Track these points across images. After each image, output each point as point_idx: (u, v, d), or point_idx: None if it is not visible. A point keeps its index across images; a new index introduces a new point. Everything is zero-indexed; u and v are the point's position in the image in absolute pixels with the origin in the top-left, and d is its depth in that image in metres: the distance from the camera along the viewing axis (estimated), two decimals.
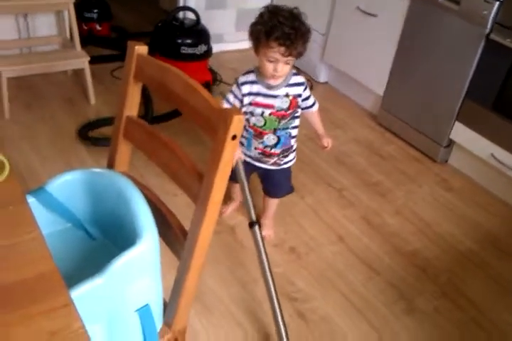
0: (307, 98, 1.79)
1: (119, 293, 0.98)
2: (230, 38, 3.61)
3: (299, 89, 1.74)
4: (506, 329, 1.82)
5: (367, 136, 2.87)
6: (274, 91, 1.72)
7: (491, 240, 2.22)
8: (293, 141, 1.84)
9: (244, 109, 1.76)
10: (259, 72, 1.71)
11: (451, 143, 2.63)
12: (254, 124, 1.77)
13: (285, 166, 1.90)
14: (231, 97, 1.74)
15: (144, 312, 1.03)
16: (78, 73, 2.95)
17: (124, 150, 1.29)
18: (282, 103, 1.73)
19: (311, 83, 3.28)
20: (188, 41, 2.99)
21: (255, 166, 1.90)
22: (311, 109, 1.84)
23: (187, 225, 1.12)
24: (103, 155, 2.36)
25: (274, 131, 1.78)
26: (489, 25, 2.25)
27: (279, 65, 1.62)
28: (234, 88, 1.74)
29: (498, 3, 2.20)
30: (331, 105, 3.11)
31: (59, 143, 2.47)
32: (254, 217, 1.84)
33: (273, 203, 2.05)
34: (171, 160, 1.13)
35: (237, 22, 3.60)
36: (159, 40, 3.04)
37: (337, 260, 2.02)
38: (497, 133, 2.35)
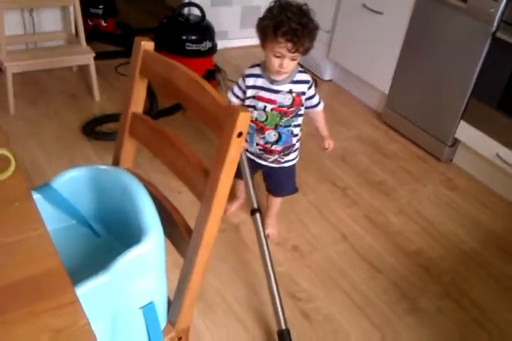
0: (311, 97, 1.78)
1: (124, 291, 0.98)
2: (234, 34, 3.61)
3: (303, 87, 1.74)
4: (508, 330, 1.81)
5: (371, 134, 2.86)
6: (277, 87, 1.72)
7: (495, 240, 2.22)
8: (295, 140, 1.84)
9: (247, 102, 1.77)
10: (264, 66, 1.71)
11: (455, 142, 2.62)
12: (256, 119, 1.77)
13: (286, 165, 1.90)
14: (235, 88, 1.78)
15: (149, 309, 1.02)
16: (83, 69, 2.95)
17: (129, 147, 1.29)
18: (285, 99, 1.73)
19: (316, 81, 3.27)
20: (193, 37, 2.99)
21: (256, 163, 1.90)
22: (315, 109, 1.83)
23: (191, 223, 1.12)
24: (108, 152, 2.37)
25: (276, 127, 1.78)
26: (496, 23, 2.24)
27: (285, 60, 1.62)
28: (240, 79, 1.77)
29: (505, 0, 2.18)
30: (336, 103, 3.10)
31: (64, 140, 2.47)
32: (255, 205, 1.87)
33: (276, 202, 2.05)
34: (177, 157, 1.13)
35: (242, 19, 3.60)
36: (164, 36, 3.04)
37: (340, 259, 2.01)
38: (502, 133, 2.34)
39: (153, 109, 2.66)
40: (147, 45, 1.17)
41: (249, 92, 1.75)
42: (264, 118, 1.76)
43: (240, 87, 1.77)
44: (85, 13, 3.26)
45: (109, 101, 2.81)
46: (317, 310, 1.79)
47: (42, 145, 2.41)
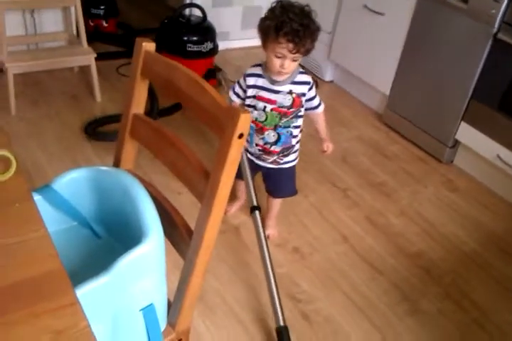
0: (312, 98, 1.78)
1: (124, 292, 0.98)
2: (235, 35, 3.61)
3: (303, 88, 1.74)
4: (508, 331, 1.81)
5: (372, 135, 2.86)
6: (277, 87, 1.72)
7: (495, 241, 2.22)
8: (294, 141, 1.84)
9: (248, 102, 1.78)
10: (266, 66, 1.72)
11: (456, 144, 2.62)
12: (256, 119, 1.77)
13: (285, 166, 1.90)
14: (237, 87, 1.79)
15: (149, 311, 1.02)
16: (84, 70, 2.95)
17: (130, 148, 1.29)
18: (285, 100, 1.73)
19: (317, 82, 3.27)
20: (194, 38, 2.99)
21: (256, 165, 1.91)
22: (315, 111, 1.83)
23: (191, 224, 1.12)
24: (108, 153, 2.37)
25: (275, 128, 1.78)
26: (497, 25, 2.24)
27: (286, 61, 1.62)
28: (241, 79, 1.78)
29: (506, 1, 2.18)
30: (337, 104, 3.10)
31: (65, 140, 2.47)
32: (255, 202, 1.89)
33: (276, 203, 2.04)
34: (178, 158, 1.13)
35: (243, 20, 3.60)
36: (165, 37, 3.04)
37: (341, 260, 2.01)
38: (503, 134, 2.34)
39: (154, 110, 2.66)
40: (148, 46, 1.17)
41: (250, 92, 1.76)
42: (263, 119, 1.77)
43: (240, 86, 1.78)
44: (86, 14, 3.26)
45: (111, 102, 2.82)
46: (317, 311, 1.79)
47: (43, 146, 2.41)
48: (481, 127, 2.42)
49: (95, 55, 2.73)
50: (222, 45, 3.28)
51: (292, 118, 1.77)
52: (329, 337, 1.71)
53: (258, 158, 1.89)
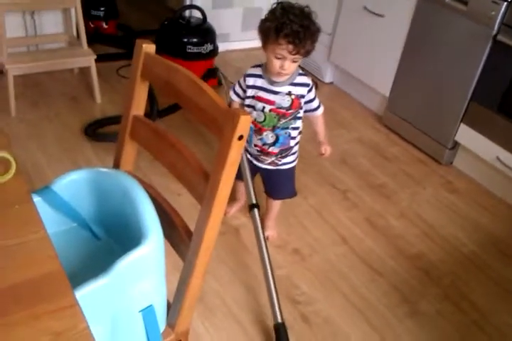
0: (311, 100, 1.78)
1: (123, 293, 0.98)
2: (235, 37, 3.61)
3: (302, 90, 1.74)
4: (508, 333, 1.81)
5: (372, 137, 2.86)
6: (276, 88, 1.72)
7: (495, 243, 2.22)
8: (292, 143, 1.84)
9: (247, 102, 1.79)
10: (266, 67, 1.72)
11: (456, 145, 2.62)
12: (255, 119, 1.77)
13: (283, 167, 1.90)
14: (237, 86, 1.81)
15: (148, 313, 1.03)
16: (84, 71, 2.96)
17: (129, 149, 1.29)
18: (283, 101, 1.73)
19: (317, 83, 3.27)
20: (194, 40, 2.99)
21: (254, 166, 1.91)
22: (314, 113, 1.83)
23: (191, 225, 1.12)
24: (108, 154, 2.38)
25: (273, 129, 1.78)
26: (496, 26, 2.24)
27: (286, 62, 1.63)
28: (241, 78, 1.79)
29: (506, 3, 2.19)
30: (336, 105, 3.10)
31: (65, 142, 2.48)
32: (254, 200, 1.90)
33: (275, 205, 2.05)
34: (177, 159, 1.13)
35: (243, 21, 3.60)
36: (165, 38, 3.04)
37: (340, 262, 2.01)
38: (503, 136, 2.34)
39: (153, 112, 2.66)
40: (148, 47, 1.18)
41: (249, 92, 1.77)
42: (262, 119, 1.77)
43: (240, 86, 1.79)
44: (86, 16, 3.27)
45: (110, 104, 2.82)
46: (317, 313, 1.79)
47: (43, 148, 2.41)
48: (481, 129, 2.42)
49: (95, 57, 2.73)
50: (222, 47, 3.28)
51: (291, 119, 1.77)
52: (328, 338, 1.71)
53: (256, 159, 1.89)
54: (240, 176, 1.91)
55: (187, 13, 3.22)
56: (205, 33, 3.06)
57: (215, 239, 1.06)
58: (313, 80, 1.81)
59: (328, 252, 2.06)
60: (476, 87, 2.39)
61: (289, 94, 1.73)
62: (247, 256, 1.98)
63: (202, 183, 1.04)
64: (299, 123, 1.81)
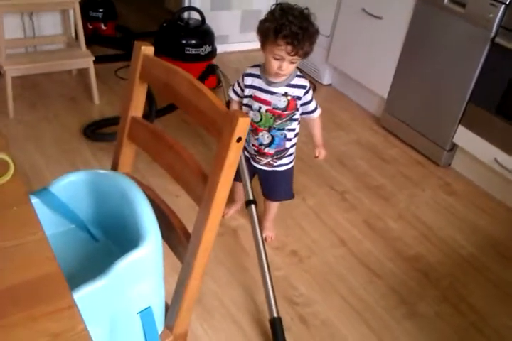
0: (307, 103, 1.78)
1: (122, 295, 0.98)
2: (234, 39, 3.62)
3: (299, 92, 1.74)
4: (506, 335, 1.81)
5: (370, 138, 2.87)
6: (272, 88, 1.73)
7: (493, 244, 2.22)
8: (288, 144, 1.84)
9: (245, 101, 1.80)
10: (264, 68, 1.73)
11: (454, 147, 2.62)
12: (252, 119, 1.78)
13: (279, 169, 1.90)
14: (236, 85, 1.82)
15: (146, 314, 1.02)
16: (82, 73, 2.96)
17: (128, 151, 1.29)
18: (279, 101, 1.74)
19: (315, 85, 3.28)
20: (193, 42, 3.00)
21: (252, 166, 1.91)
22: (311, 115, 1.83)
23: (189, 226, 1.12)
24: (106, 156, 2.38)
25: (269, 130, 1.79)
26: (494, 29, 2.25)
27: (284, 63, 1.63)
28: (239, 78, 1.80)
29: (503, 6, 2.19)
30: (335, 107, 3.11)
31: (63, 143, 2.47)
32: (251, 196, 1.91)
33: (273, 207, 2.05)
34: (175, 161, 1.13)
35: (241, 23, 3.61)
36: (164, 40, 3.05)
37: (339, 263, 2.01)
38: (501, 138, 2.34)
39: (152, 113, 2.66)
40: (147, 49, 1.18)
41: (247, 91, 1.78)
42: (258, 119, 1.78)
43: (239, 85, 1.81)
44: (85, 17, 3.27)
45: (109, 105, 2.82)
46: (315, 314, 1.79)
47: (41, 149, 2.41)
48: (479, 131, 2.42)
49: (94, 58, 2.73)
50: (221, 49, 3.29)
51: (287, 120, 1.78)
52: (326, 340, 1.71)
53: (253, 159, 1.90)
54: (238, 178, 1.92)
55: (185, 14, 3.22)
56: (203, 34, 3.07)
57: (213, 241, 1.06)
58: (311, 82, 1.81)
59: (327, 254, 2.06)
60: (474, 88, 2.40)
61: (285, 95, 1.73)
62: (245, 257, 1.98)
63: (200, 185, 1.04)
64: (295, 125, 1.81)
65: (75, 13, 2.70)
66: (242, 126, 0.94)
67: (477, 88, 2.39)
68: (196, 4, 3.28)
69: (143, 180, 1.24)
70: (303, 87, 1.75)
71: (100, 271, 0.93)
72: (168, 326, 1.14)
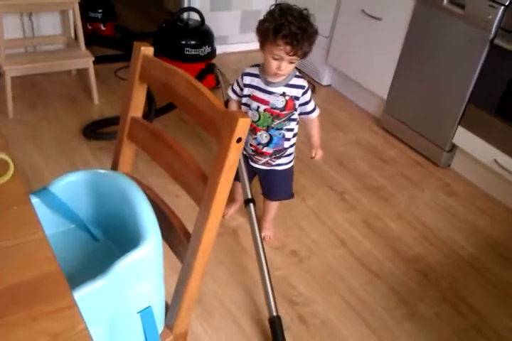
0: (306, 103, 1.78)
1: (122, 295, 0.98)
2: (234, 39, 3.62)
3: (297, 92, 1.75)
4: (506, 336, 1.81)
5: (369, 139, 2.87)
6: (270, 88, 1.74)
7: (493, 245, 2.22)
8: (286, 144, 1.84)
9: (244, 101, 1.81)
10: (263, 67, 1.73)
11: (453, 148, 2.63)
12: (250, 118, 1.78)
13: (278, 168, 1.90)
14: (235, 84, 1.83)
15: (146, 314, 1.02)
16: (82, 73, 2.96)
17: (128, 151, 1.29)
18: (277, 101, 1.74)
19: (314, 86, 3.28)
20: (192, 42, 3.00)
21: (250, 166, 1.92)
22: (309, 116, 1.83)
23: (189, 226, 1.12)
24: (106, 155, 2.38)
25: (268, 129, 1.79)
26: (493, 30, 2.25)
27: (283, 63, 1.64)
28: (239, 77, 1.81)
29: (503, 7, 2.19)
30: (334, 108, 3.11)
31: (63, 143, 2.47)
32: (249, 195, 1.92)
33: (272, 206, 2.05)
34: (175, 161, 1.13)
35: (241, 24, 3.61)
36: (163, 40, 3.05)
37: (338, 264, 2.01)
38: (500, 139, 2.35)
39: (151, 113, 2.66)
40: (147, 50, 1.18)
41: (246, 90, 1.78)
42: (256, 119, 1.78)
43: (238, 84, 1.81)
44: (84, 17, 3.27)
45: (108, 105, 2.82)
46: (314, 314, 1.79)
47: (40, 149, 2.41)
48: (478, 131, 2.43)
49: (93, 59, 2.73)
50: (220, 49, 3.29)
51: (285, 120, 1.78)
52: (326, 340, 1.71)
53: (251, 158, 1.90)
54: (237, 177, 1.92)
55: (185, 15, 3.23)
56: (203, 35, 3.07)
57: (213, 241, 1.06)
58: (310, 83, 1.81)
59: (326, 254, 2.06)
60: (473, 89, 2.40)
61: (284, 95, 1.73)
62: (245, 257, 1.98)
63: (200, 185, 1.04)
64: (293, 125, 1.81)
65: (74, 14, 2.70)
66: (242, 127, 0.95)
67: (476, 89, 2.39)
68: (196, 5, 3.28)
69: (142, 180, 1.24)
70: (301, 87, 1.75)
71: (100, 270, 0.93)
72: (169, 325, 1.14)
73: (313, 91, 1.83)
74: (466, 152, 2.54)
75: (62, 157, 2.38)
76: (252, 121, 1.78)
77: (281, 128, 1.79)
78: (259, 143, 1.83)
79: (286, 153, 1.87)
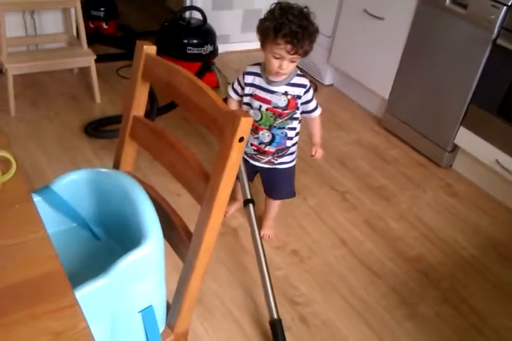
0: (308, 102, 1.78)
1: (123, 294, 0.98)
2: (235, 38, 3.62)
3: (299, 91, 1.74)
4: (507, 336, 1.81)
5: (371, 139, 2.87)
6: (273, 87, 1.73)
7: (494, 246, 2.22)
8: (289, 143, 1.84)
9: (245, 100, 1.80)
10: (264, 67, 1.73)
11: (455, 148, 2.62)
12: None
13: (280, 167, 1.90)
14: (236, 83, 1.82)
15: (148, 313, 1.02)
16: (84, 71, 2.96)
17: (129, 150, 1.29)
18: (280, 100, 1.74)
19: (316, 85, 3.28)
20: (194, 41, 2.99)
21: (251, 165, 1.91)
22: (310, 114, 1.83)
23: (190, 225, 1.12)
24: (108, 154, 2.38)
25: (270, 128, 1.79)
26: (496, 30, 2.24)
27: (284, 62, 1.63)
28: (240, 76, 1.80)
29: (505, 7, 2.19)
30: (336, 107, 3.10)
31: (64, 142, 2.47)
32: (248, 195, 1.92)
33: (274, 205, 2.05)
34: (177, 160, 1.13)
35: (243, 23, 3.60)
36: (165, 39, 3.04)
37: (339, 264, 2.01)
38: (502, 139, 2.34)
39: (153, 111, 2.66)
40: (149, 49, 1.18)
41: (247, 90, 1.78)
42: (258, 118, 1.78)
43: (239, 83, 1.80)
44: (87, 16, 3.27)
45: (110, 104, 2.82)
46: (315, 314, 1.79)
47: (42, 148, 2.41)
48: (480, 132, 2.42)
49: (95, 57, 2.73)
50: (222, 48, 3.28)
51: (287, 119, 1.78)
52: (327, 340, 1.71)
53: (253, 158, 1.90)
54: (238, 176, 1.92)
55: (187, 14, 3.22)
56: (205, 34, 3.07)
57: (215, 240, 1.06)
58: (312, 82, 1.81)
59: (327, 254, 2.05)
60: (475, 90, 2.39)
61: (286, 94, 1.73)
62: (246, 257, 1.98)
63: (202, 184, 1.04)
64: (295, 124, 1.81)
65: (76, 12, 2.70)
66: (245, 126, 0.94)
67: (479, 89, 2.38)
68: (198, 3, 3.28)
69: (144, 179, 1.24)
70: (303, 85, 1.75)
71: (102, 269, 0.93)
72: (170, 325, 1.14)
73: (315, 90, 1.82)
74: (468, 152, 2.54)
75: (64, 155, 2.38)
76: (254, 121, 1.78)
77: (283, 127, 1.79)
78: (261, 143, 1.83)
79: (289, 152, 1.87)
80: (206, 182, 1.03)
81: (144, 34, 3.53)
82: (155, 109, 2.67)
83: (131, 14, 3.98)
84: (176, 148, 1.13)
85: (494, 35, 2.25)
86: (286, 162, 1.89)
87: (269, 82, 1.74)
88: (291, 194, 2.03)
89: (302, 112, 1.81)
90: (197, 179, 1.07)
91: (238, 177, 1.93)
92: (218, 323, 1.71)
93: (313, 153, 1.89)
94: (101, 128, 2.57)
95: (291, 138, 1.83)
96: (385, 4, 2.78)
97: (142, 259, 0.98)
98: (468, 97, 2.42)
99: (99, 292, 0.92)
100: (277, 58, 1.64)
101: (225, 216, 2.11)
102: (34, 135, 2.49)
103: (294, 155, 1.90)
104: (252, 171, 1.96)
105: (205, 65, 2.98)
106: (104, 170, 1.20)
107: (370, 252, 2.09)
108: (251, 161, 1.91)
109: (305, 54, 1.65)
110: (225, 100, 1.90)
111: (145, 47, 1.17)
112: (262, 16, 1.68)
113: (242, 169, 1.93)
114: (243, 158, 1.92)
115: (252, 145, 1.85)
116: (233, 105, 1.84)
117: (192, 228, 1.09)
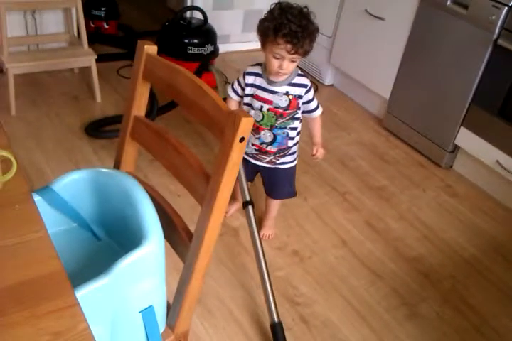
0: (309, 101, 1.78)
1: (124, 294, 0.98)
2: (236, 38, 3.62)
3: (300, 90, 1.74)
4: (507, 336, 1.81)
5: (371, 139, 2.86)
6: (274, 87, 1.73)
7: (495, 246, 2.22)
8: (290, 143, 1.84)
9: (246, 101, 1.80)
10: (265, 67, 1.72)
11: (456, 149, 2.62)
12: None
13: (281, 166, 1.90)
14: (235, 84, 1.81)
15: (148, 313, 1.02)
16: (84, 71, 2.95)
17: (130, 150, 1.29)
18: (281, 101, 1.74)
19: (317, 85, 3.28)
20: (195, 41, 2.99)
21: (253, 164, 1.91)
22: (311, 114, 1.83)
23: (190, 226, 1.12)
24: (108, 154, 2.38)
25: (271, 128, 1.79)
26: (497, 31, 2.24)
27: (284, 62, 1.63)
28: (240, 76, 1.79)
29: (506, 8, 2.19)
30: (336, 108, 3.10)
31: (65, 141, 2.47)
32: (248, 197, 1.91)
33: (274, 204, 2.05)
34: (178, 160, 1.13)
35: (244, 23, 3.60)
36: (166, 39, 3.04)
37: (340, 264, 2.01)
38: (503, 140, 2.34)
39: (153, 111, 2.66)
40: (150, 49, 1.17)
41: (248, 90, 1.77)
42: (260, 118, 1.78)
43: (239, 84, 1.80)
44: (87, 16, 3.27)
45: (111, 104, 2.82)
46: (316, 315, 1.79)
47: (42, 147, 2.41)
48: (481, 132, 2.42)
49: (96, 57, 2.73)
50: (222, 48, 3.28)
51: (289, 119, 1.78)
52: (327, 340, 1.71)
53: (254, 157, 1.89)
54: (238, 176, 1.92)
55: (188, 14, 3.22)
56: (205, 34, 3.07)
57: (215, 241, 1.06)
58: (312, 83, 1.81)
59: (328, 254, 2.05)
60: (476, 90, 2.39)
61: (287, 94, 1.73)
62: (246, 257, 1.97)
63: (202, 185, 1.04)
64: (297, 124, 1.81)
65: (77, 12, 2.70)
66: (245, 126, 0.94)
67: (479, 90, 2.38)
68: (198, 3, 3.28)
69: (145, 179, 1.24)
70: (304, 85, 1.75)
71: (102, 269, 0.93)
72: (170, 325, 1.14)
73: (315, 90, 1.82)
74: (469, 153, 2.54)
75: (64, 155, 2.37)
76: (256, 121, 1.78)
77: (285, 127, 1.79)
78: (262, 143, 1.83)
79: (290, 152, 1.87)
80: (207, 182, 1.03)
81: (144, 34, 3.53)
82: (155, 109, 2.67)
83: (132, 14, 3.98)
84: (177, 148, 1.13)
85: (495, 36, 2.25)
86: (287, 162, 1.89)
87: (270, 83, 1.73)
88: (292, 194, 2.03)
89: (303, 112, 1.81)
90: (197, 179, 1.07)
91: (238, 177, 1.93)
92: (218, 323, 1.71)
93: (314, 152, 1.89)
94: (101, 128, 2.57)
95: (292, 138, 1.83)
96: (385, 4, 2.78)
97: (142, 259, 0.98)
98: (468, 98, 2.42)
99: (99, 292, 0.92)
100: (277, 58, 1.64)
101: (225, 216, 2.11)
102: (34, 134, 2.49)
103: (295, 155, 1.90)
104: (253, 171, 1.96)
105: (203, 65, 2.98)
106: (104, 170, 1.19)
107: (371, 252, 2.09)
108: (252, 161, 1.91)
109: (305, 54, 1.65)
110: (224, 100, 1.89)
111: (146, 47, 1.17)
112: (263, 16, 1.68)
113: (242, 171, 1.92)
114: (244, 158, 1.92)
115: (253, 145, 1.85)
116: (232, 105, 1.84)
117: (192, 228, 1.09)
